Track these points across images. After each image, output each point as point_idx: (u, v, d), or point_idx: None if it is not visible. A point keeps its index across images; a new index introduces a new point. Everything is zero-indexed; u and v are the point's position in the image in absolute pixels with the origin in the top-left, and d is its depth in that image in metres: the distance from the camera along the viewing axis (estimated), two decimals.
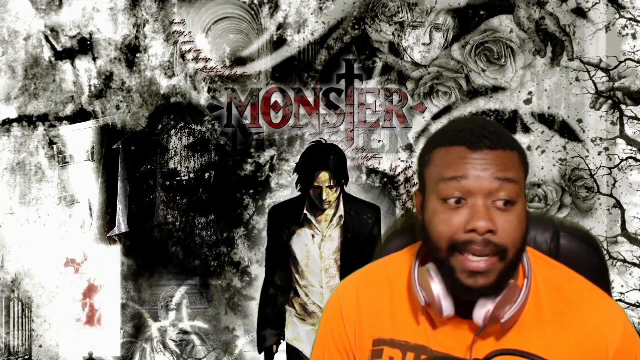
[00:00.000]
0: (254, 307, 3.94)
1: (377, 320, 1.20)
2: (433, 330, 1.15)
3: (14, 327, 4.10)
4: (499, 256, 1.04)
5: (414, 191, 4.07)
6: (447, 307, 1.10)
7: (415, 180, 4.08)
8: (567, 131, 4.07)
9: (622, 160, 4.01)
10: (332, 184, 2.95)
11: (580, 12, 4.06)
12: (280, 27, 4.14)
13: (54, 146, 4.14)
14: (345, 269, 3.02)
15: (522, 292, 1.10)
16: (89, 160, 4.15)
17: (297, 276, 3.11)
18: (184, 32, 4.13)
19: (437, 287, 1.10)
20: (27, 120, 4.13)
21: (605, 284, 1.25)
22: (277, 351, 3.22)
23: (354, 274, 1.28)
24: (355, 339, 1.21)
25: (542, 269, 1.17)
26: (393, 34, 4.11)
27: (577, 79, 4.05)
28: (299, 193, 3.11)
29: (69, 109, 4.13)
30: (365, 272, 1.27)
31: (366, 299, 1.22)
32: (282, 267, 3.14)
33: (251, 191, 4.14)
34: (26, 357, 4.10)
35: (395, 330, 1.18)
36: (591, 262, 1.27)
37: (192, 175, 4.14)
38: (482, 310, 1.08)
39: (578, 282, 1.17)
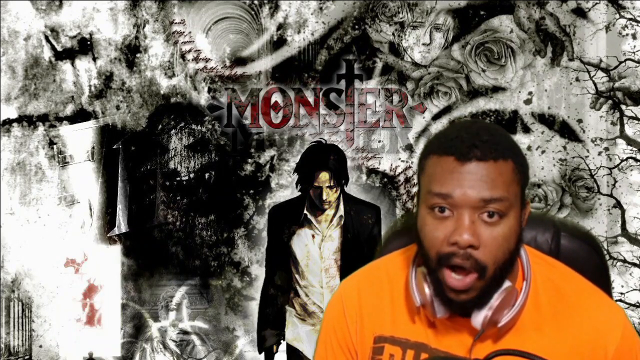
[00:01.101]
0: (254, 307, 3.94)
1: (377, 318, 1.20)
2: (431, 329, 1.16)
3: (14, 327, 4.10)
4: (478, 273, 1.05)
5: (414, 194, 4.07)
6: (440, 309, 1.11)
7: (416, 180, 4.08)
8: (567, 131, 4.07)
9: (622, 160, 4.01)
10: (332, 184, 2.95)
11: (580, 12, 4.06)
12: (280, 27, 4.14)
13: (54, 146, 4.14)
14: (345, 269, 3.02)
15: (520, 296, 1.10)
16: (89, 160, 4.15)
17: (297, 276, 3.11)
18: (184, 32, 4.13)
19: (430, 290, 1.10)
20: (27, 120, 4.13)
21: (605, 284, 1.25)
22: (277, 351, 3.22)
23: (356, 273, 1.29)
24: (357, 336, 1.22)
25: (541, 269, 1.17)
26: (393, 34, 4.11)
27: (577, 79, 4.05)
28: (299, 193, 3.11)
29: (69, 109, 4.14)
30: (367, 271, 1.28)
31: (367, 297, 1.23)
32: (282, 267, 3.14)
33: (251, 191, 4.14)
34: (26, 357, 4.10)
35: (396, 328, 1.18)
36: (591, 262, 1.27)
37: (192, 175, 4.14)
38: (480, 315, 1.08)
39: (577, 281, 1.17)
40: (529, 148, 4.03)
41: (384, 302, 1.21)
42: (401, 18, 4.10)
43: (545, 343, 1.11)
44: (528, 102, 4.08)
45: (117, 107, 4.13)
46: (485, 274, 1.05)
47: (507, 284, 1.09)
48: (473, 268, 1.04)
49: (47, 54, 4.13)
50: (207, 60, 4.14)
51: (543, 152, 4.07)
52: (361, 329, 1.21)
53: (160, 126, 4.15)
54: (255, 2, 4.14)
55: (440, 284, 1.07)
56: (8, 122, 4.13)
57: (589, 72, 4.01)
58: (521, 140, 4.03)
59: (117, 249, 4.13)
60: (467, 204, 1.04)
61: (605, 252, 3.95)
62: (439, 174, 1.06)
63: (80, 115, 4.13)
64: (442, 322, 1.14)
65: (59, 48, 4.14)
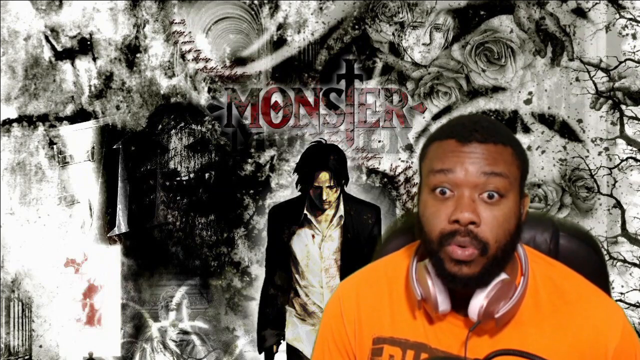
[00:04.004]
0: (254, 307, 3.94)
1: (376, 319, 1.20)
2: (431, 326, 1.16)
3: (14, 327, 4.10)
4: (480, 250, 1.06)
5: (414, 195, 4.07)
6: (443, 301, 1.11)
7: (416, 180, 4.08)
8: (567, 131, 4.07)
9: (622, 160, 4.01)
10: (332, 184, 2.95)
11: (580, 12, 4.06)
12: (280, 27, 4.14)
13: (54, 146, 4.14)
14: (345, 269, 3.02)
15: (518, 289, 1.10)
16: (89, 160, 4.15)
17: (297, 276, 3.11)
18: (184, 32, 4.14)
19: (433, 282, 1.11)
20: (27, 120, 4.13)
21: (604, 284, 1.25)
22: (277, 351, 3.22)
23: (354, 274, 1.29)
24: (355, 338, 1.21)
25: (541, 268, 1.17)
26: (393, 34, 4.11)
27: (577, 79, 4.05)
28: (299, 193, 3.11)
29: (69, 109, 4.14)
30: (365, 272, 1.28)
31: (366, 298, 1.22)
32: (282, 267, 3.14)
33: (251, 191, 4.14)
34: (26, 357, 4.10)
35: (395, 328, 1.18)
36: (590, 261, 1.27)
37: (192, 175, 4.14)
38: (476, 306, 1.08)
39: (577, 281, 1.17)
40: (529, 148, 4.03)
41: (383, 303, 1.21)
42: (401, 18, 4.10)
43: (545, 341, 1.11)
44: (528, 102, 4.08)
45: (117, 107, 4.13)
46: (488, 251, 1.06)
47: (504, 276, 1.09)
48: (474, 245, 1.05)
49: (47, 54, 4.13)
50: (207, 60, 4.14)
51: (543, 152, 4.07)
52: (360, 330, 1.21)
53: (160, 126, 4.15)
54: (255, 2, 4.14)
55: (441, 263, 1.08)
56: (8, 122, 4.13)
57: (589, 72, 4.01)
58: (521, 140, 4.01)
59: (117, 249, 4.13)
60: (468, 182, 1.06)
61: (605, 252, 3.95)
62: (441, 154, 1.09)
63: (80, 115, 4.13)
64: (441, 318, 1.14)
65: (59, 48, 4.14)
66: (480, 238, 1.05)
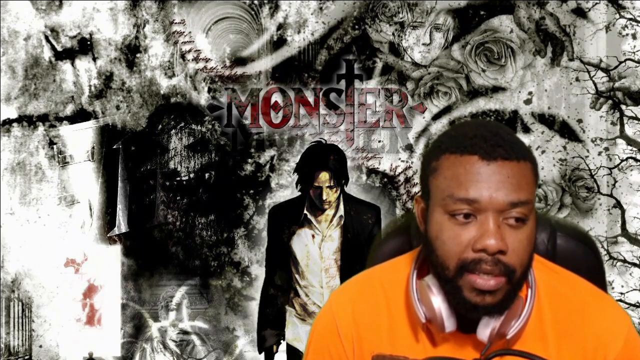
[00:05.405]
0: (254, 307, 3.94)
1: (375, 336, 1.14)
2: (433, 347, 1.10)
3: (14, 327, 4.10)
4: (507, 277, 0.99)
5: (415, 195, 4.07)
6: (450, 322, 1.05)
7: (416, 180, 4.08)
8: (567, 131, 4.07)
9: (622, 160, 4.01)
10: (332, 184, 2.95)
11: (580, 12, 4.06)
12: (280, 27, 4.14)
13: (54, 146, 4.14)
14: (345, 269, 3.03)
15: (527, 305, 1.05)
16: (89, 160, 4.15)
17: (297, 276, 3.11)
18: (184, 32, 4.14)
19: (439, 302, 1.04)
20: (27, 120, 4.13)
21: (601, 284, 1.23)
22: (277, 351, 3.22)
23: (346, 287, 1.23)
24: (354, 355, 1.16)
25: (543, 275, 1.12)
26: (393, 34, 4.11)
27: (577, 79, 4.05)
28: (299, 193, 3.11)
29: (69, 109, 4.14)
30: (359, 284, 1.21)
31: (363, 314, 1.16)
32: (282, 267, 3.14)
33: (251, 191, 4.14)
34: (26, 357, 4.10)
35: (394, 346, 1.13)
36: (587, 261, 1.25)
37: (192, 175, 4.14)
38: (487, 328, 1.03)
39: (580, 287, 1.13)
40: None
41: (381, 318, 1.15)
42: (401, 18, 4.10)
43: (549, 352, 1.08)
44: (528, 102, 4.08)
45: (117, 107, 4.13)
46: (514, 277, 1.00)
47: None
48: (501, 273, 0.99)
49: (47, 54, 4.13)
50: (207, 60, 4.14)
51: (543, 152, 4.07)
52: (359, 348, 1.15)
53: (160, 126, 4.15)
54: (255, 2, 4.14)
55: (459, 292, 1.01)
56: (8, 122, 4.13)
57: (589, 72, 4.01)
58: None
59: (117, 249, 4.13)
60: (493, 207, 0.98)
61: (604, 252, 3.95)
62: (462, 176, 0.99)
63: (80, 115, 4.13)
64: (445, 338, 1.09)
65: (59, 48, 4.14)
66: (507, 265, 0.98)
